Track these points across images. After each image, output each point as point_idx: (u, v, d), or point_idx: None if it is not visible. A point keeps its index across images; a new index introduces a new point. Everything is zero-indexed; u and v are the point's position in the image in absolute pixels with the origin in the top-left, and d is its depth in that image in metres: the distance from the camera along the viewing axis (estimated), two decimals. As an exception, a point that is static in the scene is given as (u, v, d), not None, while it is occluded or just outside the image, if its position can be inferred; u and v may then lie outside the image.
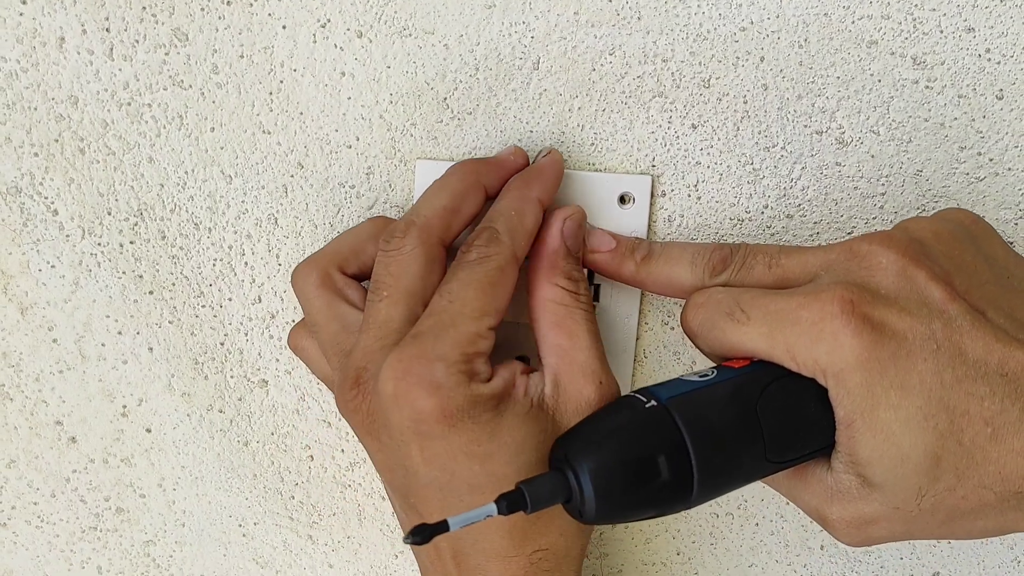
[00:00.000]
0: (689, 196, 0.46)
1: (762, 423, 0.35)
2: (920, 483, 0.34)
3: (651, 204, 0.46)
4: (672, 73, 0.45)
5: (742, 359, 0.37)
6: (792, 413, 0.36)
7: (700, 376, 0.36)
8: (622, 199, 0.45)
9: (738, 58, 0.44)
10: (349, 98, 0.45)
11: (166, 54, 0.44)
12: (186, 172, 0.46)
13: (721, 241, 0.46)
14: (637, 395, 0.36)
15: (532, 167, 0.43)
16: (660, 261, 0.41)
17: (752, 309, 0.36)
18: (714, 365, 0.38)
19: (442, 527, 0.31)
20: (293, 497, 0.51)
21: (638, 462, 0.34)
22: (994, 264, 0.37)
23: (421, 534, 0.30)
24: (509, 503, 0.32)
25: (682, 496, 0.35)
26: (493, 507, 0.32)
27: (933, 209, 0.46)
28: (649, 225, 0.46)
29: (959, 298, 0.34)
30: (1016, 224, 0.47)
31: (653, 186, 0.46)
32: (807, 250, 0.37)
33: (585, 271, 0.43)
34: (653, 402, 0.35)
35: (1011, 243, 0.47)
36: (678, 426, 0.34)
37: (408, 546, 0.50)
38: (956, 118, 0.45)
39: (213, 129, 0.45)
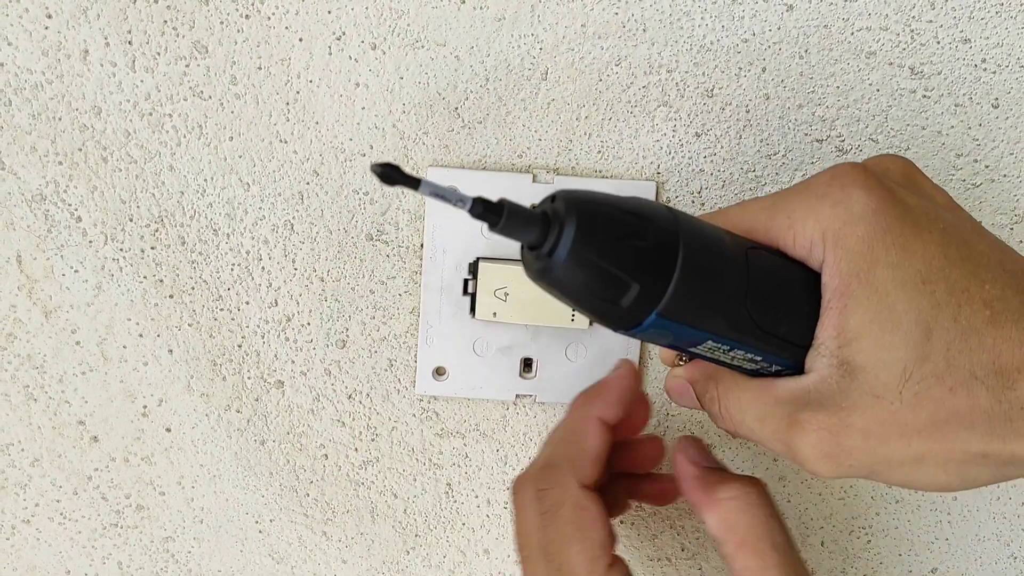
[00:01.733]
0: (693, 203, 0.48)
1: (751, 271, 0.33)
2: (907, 360, 0.32)
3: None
4: (676, 83, 0.46)
5: None
6: (779, 282, 0.34)
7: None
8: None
9: (740, 69, 0.46)
10: (363, 108, 0.46)
11: (186, 66, 0.46)
12: (205, 180, 0.47)
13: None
14: (670, 214, 0.33)
15: (597, 383, 0.43)
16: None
17: (762, 196, 0.35)
18: None
19: (414, 182, 0.29)
20: (308, 495, 0.52)
21: (614, 278, 0.32)
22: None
23: (391, 174, 0.29)
24: (484, 208, 0.30)
25: (619, 324, 0.33)
26: (469, 201, 0.30)
27: (930, 215, 0.48)
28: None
29: (960, 208, 0.35)
30: (1012, 229, 0.48)
31: (658, 192, 0.47)
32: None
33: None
34: (675, 231, 0.32)
35: (1006, 248, 0.48)
36: (675, 220, 0.32)
37: (423, 545, 0.51)
38: (953, 126, 0.47)
39: (232, 138, 0.47)
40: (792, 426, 0.33)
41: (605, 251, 0.31)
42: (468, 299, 0.47)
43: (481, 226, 0.46)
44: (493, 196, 0.31)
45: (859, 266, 0.32)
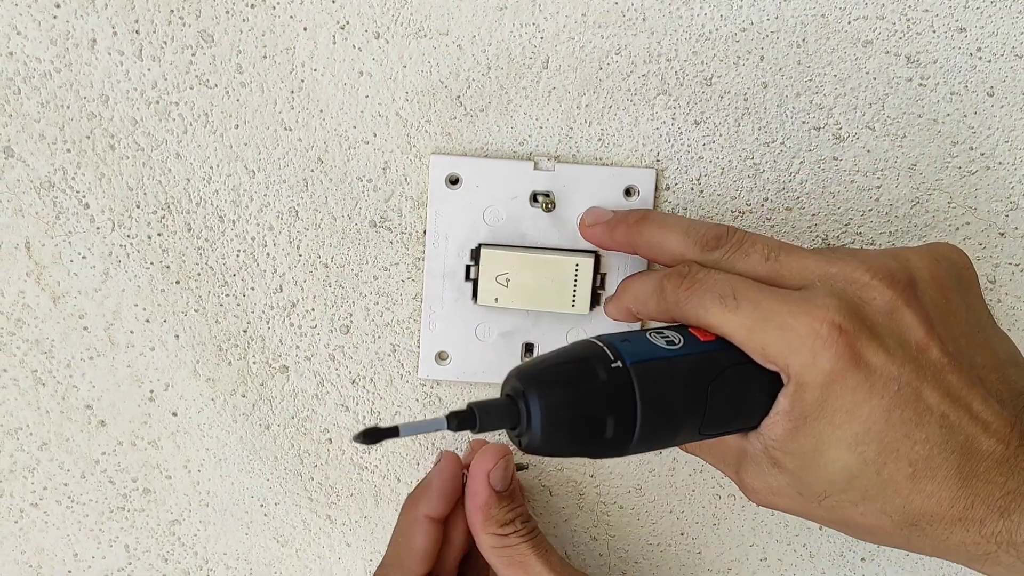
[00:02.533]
0: (692, 190, 0.48)
1: (708, 402, 0.37)
2: (827, 489, 0.37)
3: (655, 196, 0.48)
4: (676, 72, 0.47)
5: (705, 332, 0.38)
6: (737, 397, 0.37)
7: (667, 342, 0.38)
8: (627, 191, 0.47)
9: (739, 57, 0.46)
10: (367, 96, 0.47)
11: (193, 55, 0.46)
12: (211, 167, 0.48)
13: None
14: (605, 349, 0.37)
15: (422, 481, 0.47)
16: (654, 226, 0.42)
17: (744, 300, 0.37)
18: (679, 327, 0.39)
19: (392, 432, 0.33)
20: (312, 478, 0.53)
21: (589, 419, 0.35)
22: (971, 316, 0.39)
23: (371, 436, 0.32)
24: (459, 421, 0.34)
25: (614, 452, 0.37)
26: (444, 421, 0.34)
27: (927, 202, 0.48)
28: (654, 217, 0.48)
29: (932, 348, 0.36)
30: (1007, 216, 0.48)
31: (657, 179, 0.48)
32: (807, 255, 0.38)
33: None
34: (619, 363, 0.36)
35: (1002, 234, 0.49)
36: (635, 395, 0.36)
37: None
38: (949, 114, 0.47)
39: (237, 126, 0.47)
40: (740, 483, 0.40)
41: (571, 403, 0.35)
42: (470, 285, 0.48)
43: (483, 212, 0.47)
44: (461, 404, 0.36)
45: (809, 414, 0.36)
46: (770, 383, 0.37)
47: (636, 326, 0.47)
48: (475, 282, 0.48)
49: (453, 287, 0.48)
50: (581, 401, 0.35)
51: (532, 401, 0.35)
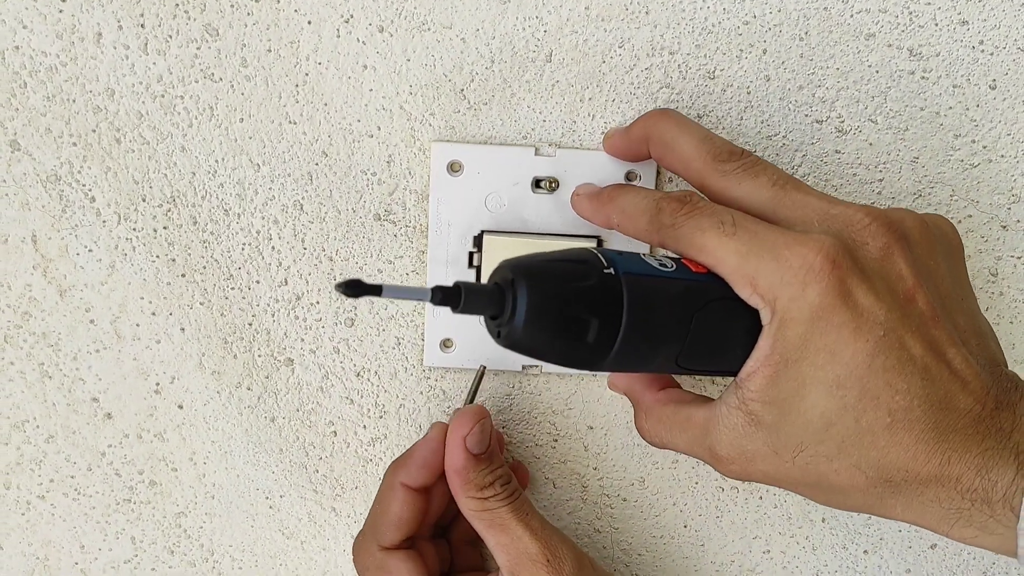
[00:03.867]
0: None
1: (691, 331, 0.37)
2: (803, 439, 0.36)
3: (656, 186, 0.48)
4: (679, 65, 0.47)
5: (698, 264, 0.38)
6: (719, 334, 0.37)
7: (659, 264, 0.37)
8: (628, 177, 0.47)
9: (741, 51, 0.47)
10: (371, 90, 0.47)
11: (198, 48, 0.46)
12: (216, 161, 0.48)
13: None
14: (599, 256, 0.36)
15: (407, 450, 0.47)
16: (672, 123, 0.42)
17: (742, 228, 0.37)
18: (674, 257, 0.39)
19: (375, 289, 0.32)
20: (317, 471, 0.53)
21: (574, 319, 0.35)
22: (955, 283, 0.39)
23: (354, 288, 0.32)
24: (444, 295, 0.33)
25: (590, 361, 0.36)
26: (428, 292, 0.33)
27: (929, 195, 0.48)
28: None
29: (919, 300, 0.36)
30: (1009, 209, 0.49)
31: (659, 171, 0.48)
32: (812, 193, 0.38)
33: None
34: (611, 270, 0.36)
35: (1004, 227, 0.49)
36: (622, 303, 0.35)
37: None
38: (951, 107, 0.47)
39: (242, 120, 0.48)
40: (713, 458, 0.39)
41: (559, 297, 0.35)
42: (474, 272, 0.48)
43: (485, 199, 0.47)
44: (450, 281, 0.34)
45: (791, 356, 0.36)
46: (753, 325, 0.37)
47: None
48: (478, 269, 0.48)
49: (457, 274, 0.48)
50: (569, 297, 0.35)
51: (520, 290, 0.35)
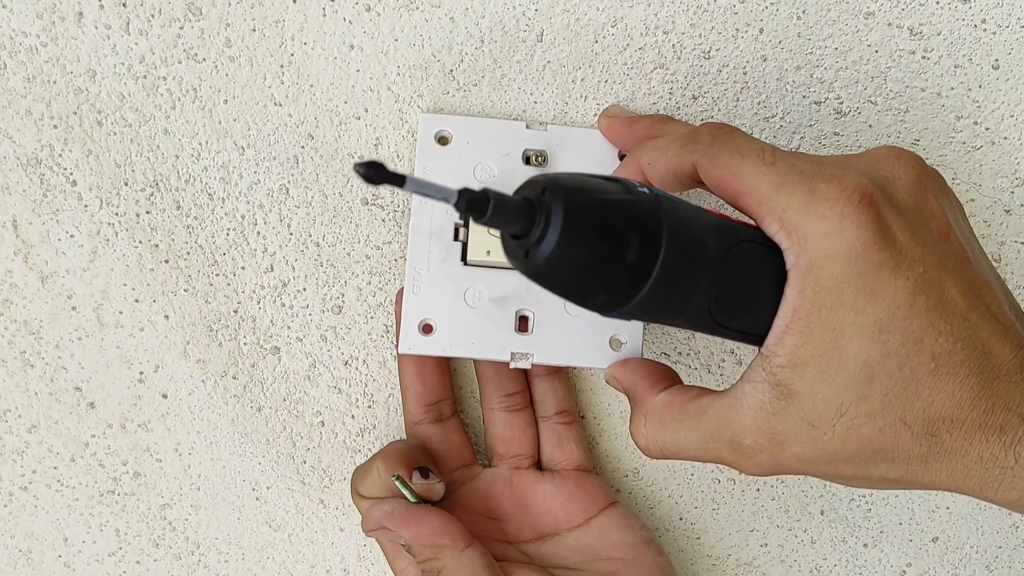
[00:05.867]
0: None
1: (727, 270, 0.34)
2: (845, 398, 0.34)
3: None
4: (673, 45, 0.46)
5: (725, 212, 0.36)
6: (751, 279, 0.35)
7: (687, 202, 0.35)
8: (622, 156, 0.46)
9: (737, 30, 0.45)
10: (358, 70, 0.46)
11: (180, 28, 0.45)
12: (200, 144, 0.47)
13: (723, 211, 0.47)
14: (631, 181, 0.34)
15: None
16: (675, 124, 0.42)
17: (781, 158, 0.35)
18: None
19: (398, 179, 0.29)
20: (305, 462, 0.52)
21: (614, 231, 0.32)
22: (972, 232, 0.38)
23: (376, 171, 0.28)
24: (469, 200, 0.30)
25: (625, 291, 0.33)
26: (455, 193, 0.30)
27: (930, 178, 0.47)
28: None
29: (953, 239, 0.35)
30: (1013, 192, 0.47)
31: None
32: (837, 158, 0.37)
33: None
34: (646, 190, 0.33)
35: (1007, 211, 0.48)
36: (660, 222, 0.33)
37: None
38: (953, 88, 0.46)
39: (226, 101, 0.46)
40: (736, 451, 0.36)
41: (599, 208, 0.31)
42: (459, 246, 0.45)
43: (473, 169, 0.45)
44: (477, 184, 0.31)
45: (825, 302, 0.33)
46: (781, 278, 0.34)
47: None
48: (464, 245, 0.45)
49: (440, 247, 0.45)
50: (609, 207, 0.31)
51: (555, 200, 0.31)
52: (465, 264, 0.45)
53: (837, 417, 0.34)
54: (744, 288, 0.35)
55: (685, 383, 0.41)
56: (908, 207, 0.35)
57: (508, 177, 0.46)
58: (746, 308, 0.35)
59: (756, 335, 0.36)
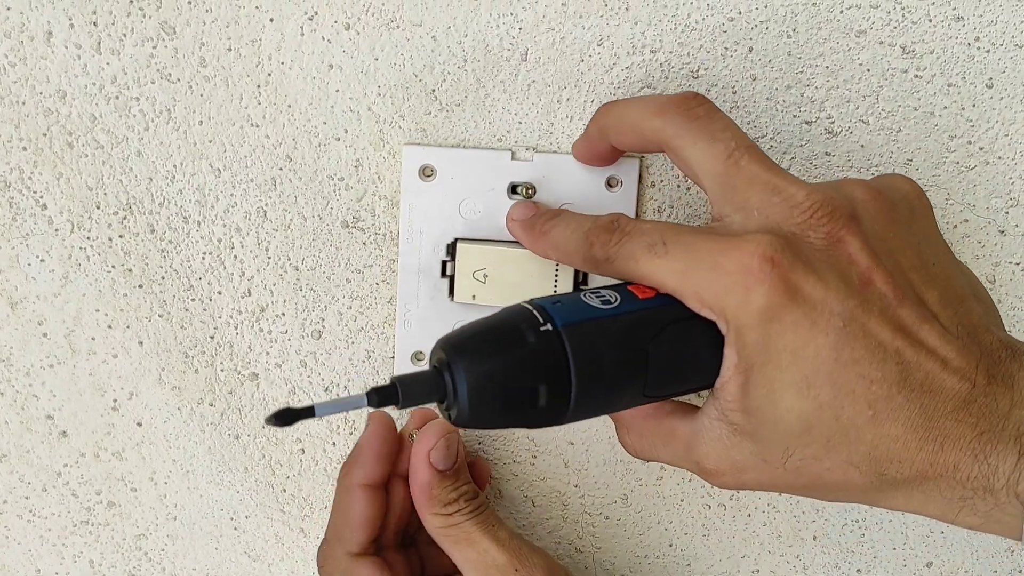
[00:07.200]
0: (679, 187, 0.46)
1: (650, 362, 0.35)
2: (789, 443, 0.34)
3: (639, 190, 0.46)
4: (660, 64, 0.45)
5: (646, 288, 0.36)
6: (681, 355, 0.35)
7: (602, 301, 0.35)
8: (609, 183, 0.45)
9: (726, 48, 0.44)
10: (337, 90, 0.45)
11: (153, 47, 0.44)
12: (175, 166, 0.46)
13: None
14: (534, 312, 0.34)
15: (354, 448, 0.45)
16: (617, 110, 0.40)
17: (673, 244, 0.35)
18: (618, 285, 0.37)
19: (308, 412, 0.30)
20: (284, 490, 0.51)
21: (520, 391, 0.33)
22: (923, 249, 0.36)
23: (284, 417, 0.30)
24: (381, 397, 0.32)
25: (551, 420, 0.34)
26: (363, 398, 0.32)
27: (923, 199, 0.46)
28: (637, 211, 0.46)
29: (878, 281, 0.34)
30: (1007, 213, 0.47)
31: (641, 172, 0.46)
32: (763, 167, 0.36)
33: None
34: (548, 326, 0.34)
35: (1002, 232, 0.47)
36: (567, 358, 0.33)
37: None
38: (946, 107, 0.45)
39: (201, 122, 0.45)
40: (702, 471, 0.37)
41: (499, 372, 0.33)
42: (447, 281, 0.46)
43: (459, 205, 0.45)
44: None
45: (754, 362, 0.34)
46: (717, 338, 0.35)
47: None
48: (452, 278, 0.46)
49: (429, 284, 0.46)
50: (509, 370, 0.33)
51: (457, 372, 0.33)
52: (453, 301, 0.46)
53: (786, 457, 0.35)
54: (678, 367, 0.36)
55: None
56: (821, 260, 0.34)
57: (494, 214, 0.45)
58: (684, 378, 0.36)
59: (705, 386, 0.36)
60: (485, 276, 0.44)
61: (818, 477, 0.35)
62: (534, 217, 0.42)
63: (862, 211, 0.35)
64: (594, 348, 0.34)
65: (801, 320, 0.33)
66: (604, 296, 0.36)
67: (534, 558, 0.44)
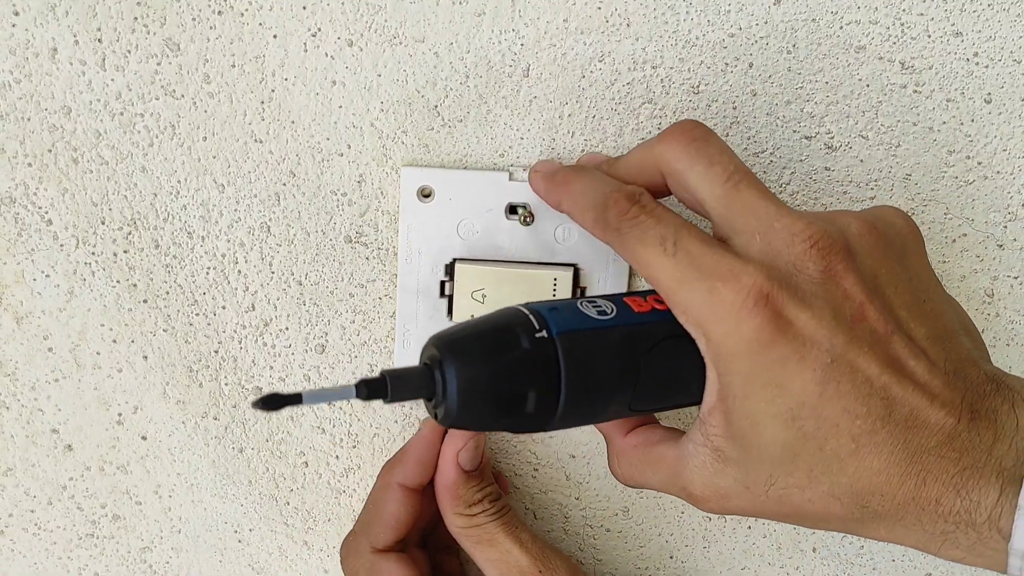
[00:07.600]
0: (679, 203, 0.46)
1: (640, 376, 0.35)
2: (772, 472, 0.35)
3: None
4: (661, 79, 0.45)
5: (642, 301, 0.36)
6: (670, 373, 0.36)
7: (598, 312, 0.36)
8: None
9: (727, 64, 0.45)
10: (340, 106, 0.45)
11: (158, 64, 0.44)
12: (179, 181, 0.46)
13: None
14: (531, 316, 0.35)
15: (400, 450, 0.47)
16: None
17: (683, 249, 0.35)
18: (614, 296, 0.37)
19: (295, 399, 0.31)
20: (288, 503, 0.51)
21: (508, 393, 0.33)
22: (915, 284, 0.37)
23: (271, 403, 0.30)
24: (370, 389, 0.32)
25: (536, 427, 0.35)
26: (352, 389, 0.32)
27: (922, 213, 0.47)
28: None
29: (870, 317, 0.34)
30: (1006, 227, 0.47)
31: (643, 192, 0.46)
32: (762, 197, 0.36)
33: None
34: (544, 332, 0.34)
35: (1000, 246, 0.47)
36: (559, 367, 0.34)
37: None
38: (945, 122, 0.45)
39: (205, 138, 0.45)
40: (689, 497, 0.37)
41: (490, 375, 0.33)
42: (445, 301, 0.46)
43: (457, 225, 0.45)
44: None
45: (737, 392, 0.34)
46: (702, 364, 0.35)
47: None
48: (450, 299, 0.46)
49: (428, 304, 0.46)
50: (501, 373, 0.33)
51: (448, 371, 0.33)
52: (452, 320, 0.46)
53: (768, 485, 0.35)
54: (667, 383, 0.36)
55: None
56: (815, 295, 0.34)
57: (492, 234, 0.45)
58: (672, 395, 0.36)
59: (692, 403, 0.37)
60: (484, 296, 0.45)
61: (800, 507, 0.35)
62: (559, 168, 0.42)
63: (857, 245, 0.36)
64: (587, 359, 0.34)
65: (790, 355, 0.33)
66: (600, 306, 0.36)
67: (557, 561, 0.44)
